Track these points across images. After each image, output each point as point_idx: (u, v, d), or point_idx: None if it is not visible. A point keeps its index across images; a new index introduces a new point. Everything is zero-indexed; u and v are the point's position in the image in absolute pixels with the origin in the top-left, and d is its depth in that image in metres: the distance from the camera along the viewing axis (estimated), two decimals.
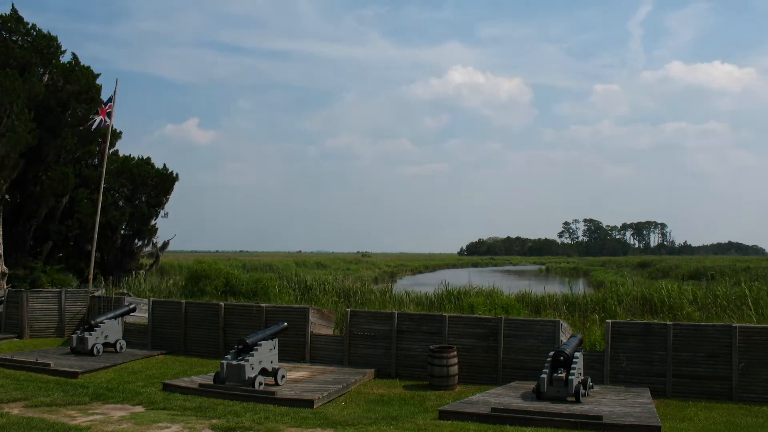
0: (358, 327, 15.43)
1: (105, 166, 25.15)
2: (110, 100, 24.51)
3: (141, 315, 18.97)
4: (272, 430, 9.01)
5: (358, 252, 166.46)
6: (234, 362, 12.32)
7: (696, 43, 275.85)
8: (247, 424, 9.19)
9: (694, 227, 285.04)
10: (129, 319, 18.51)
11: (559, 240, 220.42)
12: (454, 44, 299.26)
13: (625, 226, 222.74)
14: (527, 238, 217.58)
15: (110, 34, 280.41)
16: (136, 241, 33.17)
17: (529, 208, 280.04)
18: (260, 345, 12.70)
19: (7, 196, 26.38)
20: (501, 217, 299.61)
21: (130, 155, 32.56)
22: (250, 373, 12.22)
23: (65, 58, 29.73)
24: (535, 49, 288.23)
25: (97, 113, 24.77)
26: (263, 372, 12.56)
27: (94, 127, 24.83)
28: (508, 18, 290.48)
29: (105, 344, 16.79)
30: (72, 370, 14.24)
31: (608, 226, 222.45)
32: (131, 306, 18.58)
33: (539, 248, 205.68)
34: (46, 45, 28.73)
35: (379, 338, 15.14)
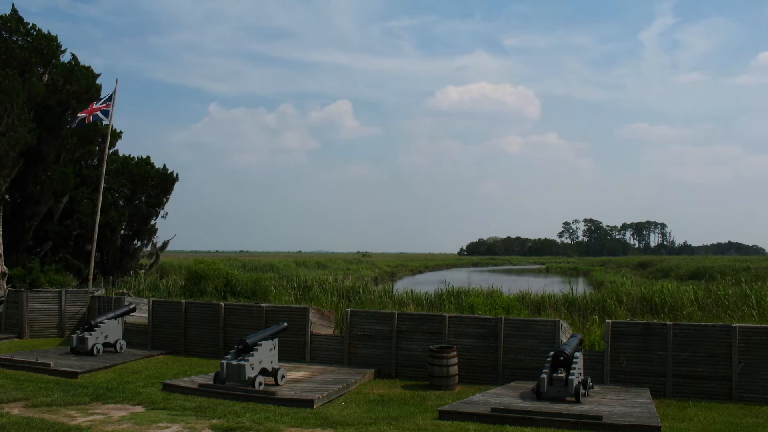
0: (358, 327, 15.43)
1: (105, 166, 25.16)
2: (110, 98, 24.50)
3: (141, 315, 18.97)
4: (272, 430, 9.01)
5: (358, 252, 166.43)
6: (234, 362, 12.32)
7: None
8: (247, 424, 9.19)
9: (693, 227, 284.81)
10: (129, 319, 18.51)
11: (559, 240, 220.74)
12: (482, 54, 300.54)
13: (625, 226, 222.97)
14: (527, 238, 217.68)
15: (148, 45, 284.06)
16: (136, 241, 33.18)
17: (529, 208, 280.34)
18: (260, 345, 12.70)
19: (7, 196, 26.38)
20: (501, 217, 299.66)
21: (130, 155, 32.61)
22: (250, 373, 12.22)
23: (65, 58, 29.79)
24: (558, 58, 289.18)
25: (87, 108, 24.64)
26: (263, 372, 12.56)
27: (74, 124, 24.67)
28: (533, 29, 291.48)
29: (105, 344, 16.79)
30: (72, 370, 14.24)
31: (608, 226, 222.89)
32: (131, 306, 18.57)
33: (539, 248, 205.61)
34: (47, 45, 28.74)
35: (379, 338, 15.13)
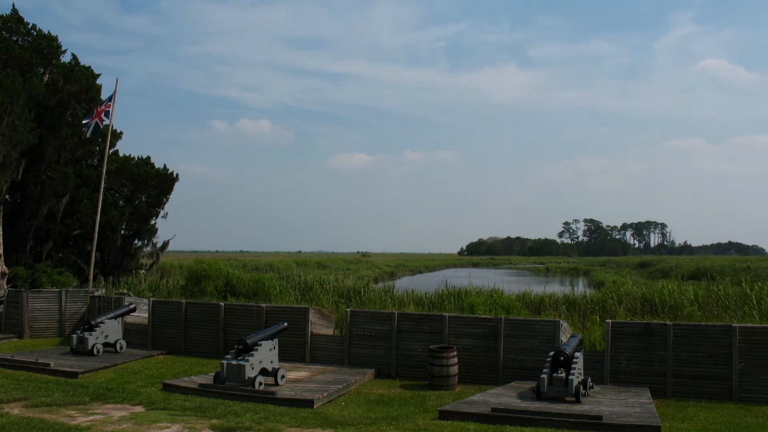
0: (358, 327, 15.43)
1: (105, 166, 25.16)
2: (110, 99, 24.51)
3: (141, 315, 18.97)
4: (272, 430, 9.01)
5: (358, 252, 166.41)
6: (234, 362, 12.32)
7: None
8: (247, 424, 9.19)
9: (693, 227, 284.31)
10: (129, 319, 18.51)
11: (559, 240, 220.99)
12: (511, 66, 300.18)
13: (625, 226, 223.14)
14: (527, 238, 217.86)
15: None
16: (136, 241, 33.17)
17: (529, 208, 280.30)
18: (260, 345, 12.71)
19: (7, 196, 26.40)
20: (501, 217, 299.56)
21: (130, 155, 32.60)
22: (250, 373, 12.23)
23: (65, 58, 29.80)
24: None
25: (92, 114, 24.72)
26: (263, 372, 12.57)
27: (89, 133, 24.80)
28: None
29: (105, 344, 16.80)
30: (72, 370, 14.24)
31: (608, 226, 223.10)
32: (131, 306, 18.58)
33: (539, 248, 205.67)
34: (47, 45, 28.74)
35: (379, 338, 15.13)
